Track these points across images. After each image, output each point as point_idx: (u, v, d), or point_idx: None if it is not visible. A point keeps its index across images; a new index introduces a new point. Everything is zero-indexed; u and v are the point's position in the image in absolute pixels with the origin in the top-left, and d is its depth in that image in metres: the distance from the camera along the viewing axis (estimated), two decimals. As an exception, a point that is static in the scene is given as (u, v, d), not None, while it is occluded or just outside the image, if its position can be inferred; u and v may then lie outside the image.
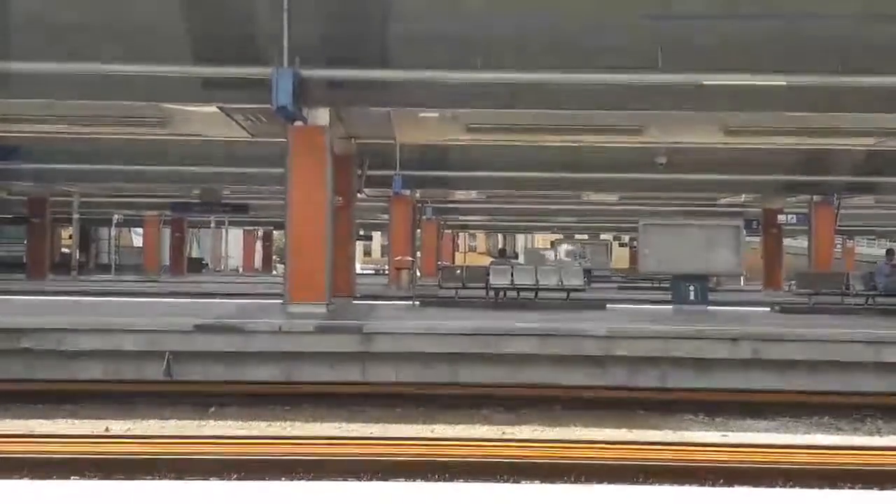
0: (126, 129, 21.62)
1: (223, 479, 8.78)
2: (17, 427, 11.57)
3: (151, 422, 12.09)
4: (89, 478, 8.78)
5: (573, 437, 11.50)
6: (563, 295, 20.93)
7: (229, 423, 12.14)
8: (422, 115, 19.33)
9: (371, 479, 8.89)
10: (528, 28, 15.50)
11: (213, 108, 18.09)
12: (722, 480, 9.02)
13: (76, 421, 12.05)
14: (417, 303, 20.02)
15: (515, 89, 16.91)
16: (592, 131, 21.72)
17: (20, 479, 8.65)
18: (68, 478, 8.72)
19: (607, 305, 19.93)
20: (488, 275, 20.90)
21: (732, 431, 12.19)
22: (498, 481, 8.94)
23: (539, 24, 15.45)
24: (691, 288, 19.89)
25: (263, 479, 8.75)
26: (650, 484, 8.91)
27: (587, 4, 15.12)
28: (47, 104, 18.12)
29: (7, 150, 20.29)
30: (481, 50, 15.59)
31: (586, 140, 23.51)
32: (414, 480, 8.90)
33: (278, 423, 12.14)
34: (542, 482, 8.90)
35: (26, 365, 14.60)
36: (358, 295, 21.24)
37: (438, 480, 8.94)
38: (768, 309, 21.02)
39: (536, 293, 20.88)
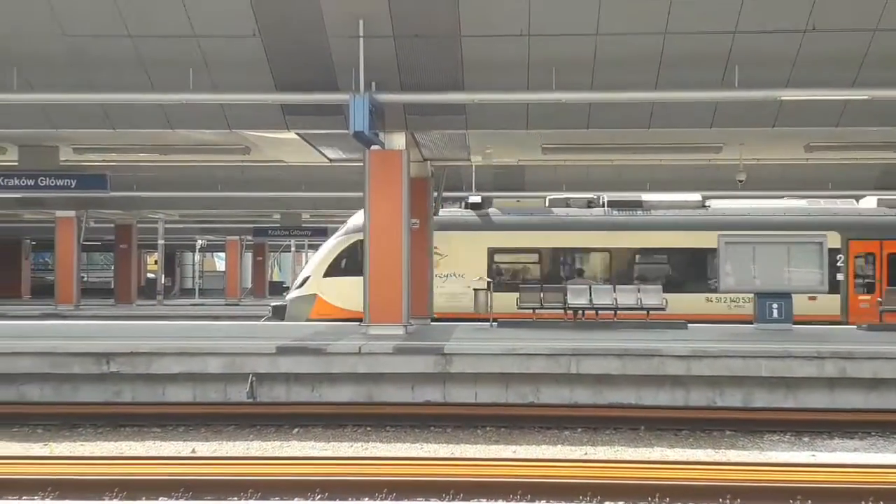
0: (210, 157, 22.10)
1: (307, 499, 8.89)
2: (107, 449, 11.86)
3: (236, 443, 12.29)
4: (177, 498, 8.96)
5: (656, 458, 11.40)
6: (643, 314, 20.76)
7: (312, 443, 12.28)
8: (497, 136, 19.41)
9: (454, 500, 8.93)
10: (603, 47, 15.50)
11: (292, 135, 18.40)
12: (810, 502, 8.87)
13: (163, 443, 12.30)
14: (495, 323, 20.02)
15: (591, 109, 16.90)
16: (671, 149, 21.55)
17: (111, 499, 8.87)
18: (157, 498, 8.91)
19: (688, 325, 19.70)
20: (566, 294, 20.80)
21: (820, 451, 11.96)
22: (581, 501, 8.91)
23: (614, 43, 15.44)
24: (774, 306, 19.55)
25: (347, 499, 8.84)
26: (736, 505, 8.80)
27: (661, 21, 15.07)
28: (135, 133, 18.63)
29: (96, 178, 20.88)
30: (556, 70, 15.62)
31: (665, 158, 23.32)
32: (496, 500, 8.92)
33: (360, 444, 12.25)
34: (625, 502, 8.85)
35: (115, 388, 14.97)
36: (434, 316, 21.32)
37: (521, 500, 8.93)
38: (854, 326, 20.51)
39: (615, 312, 20.73)
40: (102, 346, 15.14)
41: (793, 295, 19.85)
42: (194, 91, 15.72)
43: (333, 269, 24.87)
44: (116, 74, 16.00)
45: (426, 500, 8.89)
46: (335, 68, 15.92)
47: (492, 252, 25.48)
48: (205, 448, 11.93)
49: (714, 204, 26.44)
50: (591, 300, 20.60)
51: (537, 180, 27.20)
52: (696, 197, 26.44)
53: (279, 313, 24.92)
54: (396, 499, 8.93)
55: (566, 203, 26.31)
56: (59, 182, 20.71)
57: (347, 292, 24.40)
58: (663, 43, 15.32)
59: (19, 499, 8.74)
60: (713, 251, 22.27)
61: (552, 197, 26.51)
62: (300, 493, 8.99)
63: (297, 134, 18.28)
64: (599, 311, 20.67)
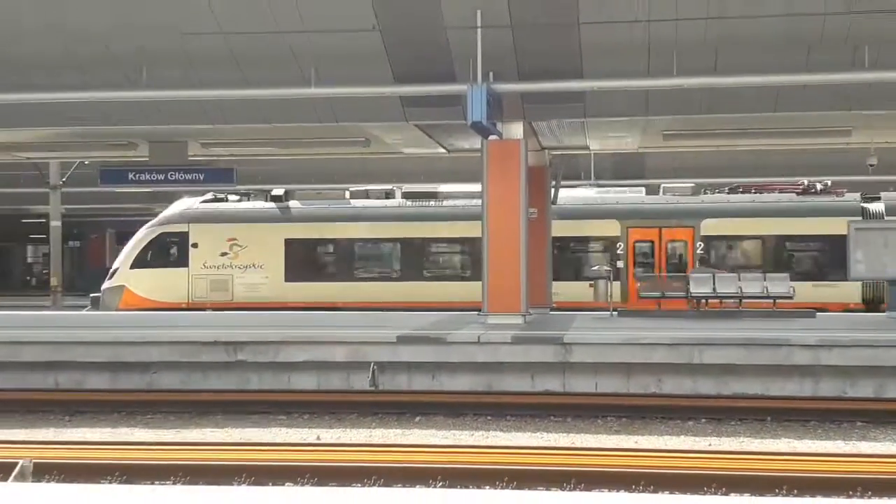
0: (331, 150, 22.43)
1: (429, 487, 8.98)
2: (236, 436, 12.21)
3: (359, 431, 12.49)
4: (303, 484, 9.16)
5: (783, 450, 11.14)
6: (770, 303, 20.27)
7: (433, 432, 12.39)
8: (616, 123, 19.18)
9: (574, 489, 8.89)
10: (721, 31, 15.16)
11: (411, 127, 18.55)
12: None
13: (289, 430, 12.58)
14: (615, 312, 19.83)
15: (713, 94, 16.55)
16: (798, 134, 20.90)
17: (239, 484, 9.13)
18: (283, 484, 9.13)
19: (816, 313, 19.16)
20: (689, 283, 20.46)
21: (957, 444, 11.50)
22: (705, 493, 8.76)
23: (736, 26, 15.08)
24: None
25: (468, 487, 8.90)
26: (869, 497, 8.53)
27: (778, 5, 14.66)
28: (259, 127, 19.07)
29: (224, 172, 21.44)
30: (676, 56, 15.35)
31: (790, 143, 22.64)
32: (618, 490, 8.85)
33: (480, 433, 12.31)
34: (751, 494, 8.67)
35: (243, 376, 15.39)
36: (553, 305, 21.23)
37: (644, 491, 8.84)
38: None
39: (740, 301, 20.30)
40: (231, 335, 15.57)
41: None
42: (315, 85, 16.00)
43: (140, 261, 25.53)
44: (241, 71, 16.41)
45: (547, 489, 8.88)
46: (453, 59, 15.98)
47: (289, 243, 25.95)
48: (329, 435, 12.17)
49: None
50: (714, 289, 20.21)
51: (658, 167, 26.78)
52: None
53: (96, 304, 25.76)
54: (517, 488, 8.94)
55: (365, 194, 26.53)
56: (189, 176, 21.33)
57: (154, 283, 25.55)
58: (787, 25, 14.89)
59: (152, 483, 9.06)
60: None
61: (353, 189, 26.69)
62: (422, 481, 9.08)
63: (416, 125, 18.42)
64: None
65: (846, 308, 23.56)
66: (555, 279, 22.68)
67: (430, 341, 15.12)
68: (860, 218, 24.49)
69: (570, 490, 8.89)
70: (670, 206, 25.56)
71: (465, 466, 9.37)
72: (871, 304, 24.14)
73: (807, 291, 22.97)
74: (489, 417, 13.15)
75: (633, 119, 17.84)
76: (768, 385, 14.38)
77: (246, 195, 27.18)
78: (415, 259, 25.81)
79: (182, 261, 25.91)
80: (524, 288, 17.29)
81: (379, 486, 9.09)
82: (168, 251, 26.18)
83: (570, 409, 13.33)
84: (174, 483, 9.26)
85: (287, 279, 25.79)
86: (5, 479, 7.70)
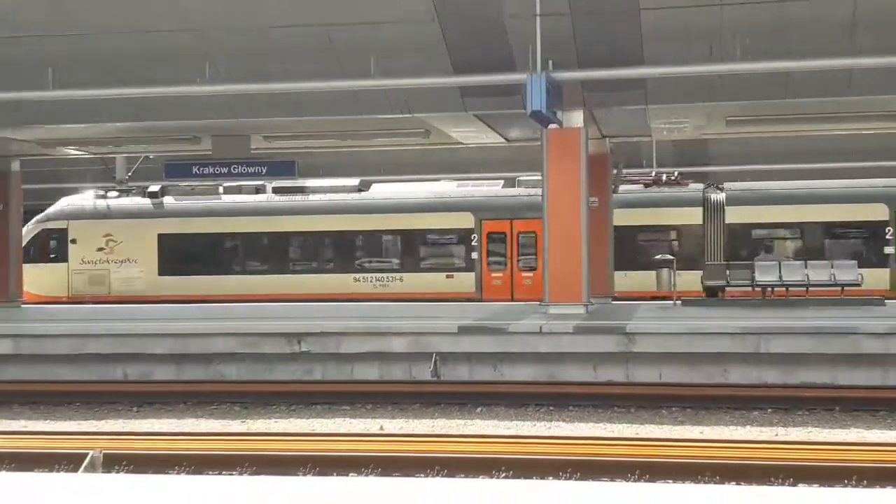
0: (391, 141, 22.49)
1: (492, 478, 8.97)
2: (300, 426, 12.32)
3: (422, 421, 12.52)
4: (367, 475, 9.20)
5: (853, 440, 10.93)
6: (837, 290, 19.92)
7: (495, 422, 12.38)
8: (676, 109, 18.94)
9: (639, 480, 8.81)
10: (787, 14, 14.88)
11: (470, 117, 18.52)
12: None
13: (353, 420, 12.66)
14: (679, 301, 19.62)
15: (778, 79, 16.26)
16: (871, 118, 20.42)
17: (304, 475, 9.20)
18: (347, 474, 9.18)
19: (886, 301, 18.77)
20: (754, 271, 20.17)
21: None
22: (772, 483, 8.64)
23: (803, 9, 14.80)
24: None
25: (531, 478, 8.87)
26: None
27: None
28: (315, 121, 19.19)
29: (285, 165, 21.63)
30: (739, 40, 15.11)
31: (864, 127, 22.14)
32: (683, 481, 8.75)
33: (543, 423, 12.27)
34: (820, 485, 8.52)
35: (306, 367, 15.52)
36: (615, 294, 21.08)
37: (709, 482, 8.74)
38: None
39: (807, 289, 19.97)
40: (294, 326, 15.71)
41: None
42: (375, 77, 16.05)
43: (24, 257, 25.57)
44: (302, 63, 16.51)
45: (611, 480, 8.81)
46: (512, 48, 15.91)
47: (161, 238, 26.80)
48: (392, 425, 12.22)
49: (375, 188, 27.35)
50: (780, 277, 19.91)
51: (723, 153, 26.40)
52: (353, 182, 27.18)
53: None
54: (581, 479, 8.88)
55: (238, 190, 27.09)
56: (251, 169, 21.54)
57: (36, 278, 26.40)
58: (855, 6, 14.56)
59: (219, 474, 9.17)
60: (366, 233, 25.81)
61: (228, 184, 27.11)
62: (485, 471, 9.07)
63: (475, 115, 18.38)
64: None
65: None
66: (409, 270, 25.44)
67: (492, 331, 15.10)
68: (701, 208, 25.23)
69: (634, 481, 8.81)
70: (522, 199, 26.18)
71: (528, 457, 9.35)
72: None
73: (652, 280, 23.69)
74: (551, 408, 13.10)
75: (695, 105, 17.61)
76: (836, 374, 14.13)
77: (126, 192, 28.15)
78: (282, 252, 26.76)
79: (62, 256, 27.03)
80: (585, 277, 17.19)
81: (442, 476, 9.10)
82: (49, 247, 27.33)
83: (634, 400, 13.23)
84: (240, 474, 9.36)
85: (161, 273, 26.92)
86: (75, 470, 7.84)
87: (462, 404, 13.37)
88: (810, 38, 15.11)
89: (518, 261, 25.94)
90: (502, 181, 27.14)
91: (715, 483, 8.72)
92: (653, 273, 22.85)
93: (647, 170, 25.22)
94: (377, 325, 15.61)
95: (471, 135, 21.52)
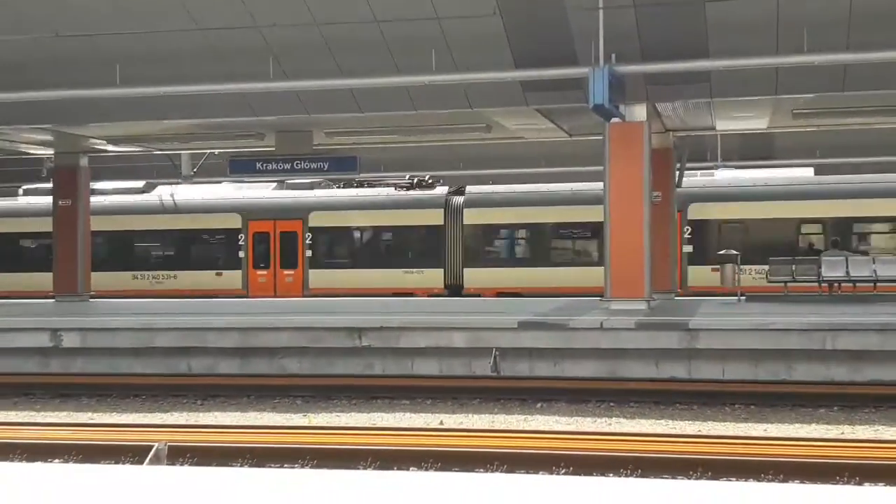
0: (452, 136, 22.51)
1: (552, 473, 8.94)
2: (361, 420, 12.40)
3: (482, 416, 12.52)
4: (427, 469, 9.23)
5: (922, 440, 10.69)
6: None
7: (555, 418, 12.34)
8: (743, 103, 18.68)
9: (701, 477, 8.72)
10: (854, 5, 14.58)
11: (532, 111, 18.46)
12: None
13: (413, 415, 12.70)
14: (743, 297, 19.37)
15: (846, 71, 15.94)
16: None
17: (365, 468, 9.26)
18: (407, 468, 9.21)
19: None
20: (820, 267, 19.83)
21: None
22: (837, 482, 8.49)
23: (867, 1, 14.49)
24: None
25: (591, 473, 8.82)
26: None
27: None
28: (381, 116, 19.28)
29: (347, 160, 21.78)
30: (808, 31, 14.84)
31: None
32: (746, 479, 8.64)
33: (603, 420, 12.19)
34: (886, 484, 8.35)
35: (367, 361, 15.60)
36: (679, 290, 20.88)
37: (773, 480, 8.62)
38: None
39: (875, 285, 19.58)
40: (355, 320, 15.80)
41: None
42: (437, 72, 16.06)
43: None
44: (364, 59, 16.59)
45: (673, 477, 8.73)
46: (574, 41, 15.81)
47: None
48: (452, 420, 12.23)
49: (160, 189, 28.95)
50: (847, 273, 19.55)
51: (788, 147, 25.96)
52: (139, 184, 28.71)
53: None
54: (642, 475, 8.82)
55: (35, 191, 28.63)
56: (313, 165, 21.73)
57: None
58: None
59: (280, 467, 9.27)
60: (145, 233, 27.77)
61: (26, 187, 29.03)
62: (545, 467, 9.05)
63: (537, 110, 18.31)
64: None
65: (430, 294, 26.08)
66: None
67: (552, 327, 15.04)
68: (442, 210, 26.61)
69: (696, 478, 8.72)
70: (284, 201, 27.67)
71: (589, 453, 9.30)
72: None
73: (398, 277, 26.28)
74: (612, 404, 13.02)
75: (761, 98, 17.34)
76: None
77: None
78: (127, 252, 28.53)
79: None
80: (648, 273, 17.04)
81: (502, 471, 9.09)
82: None
83: (697, 397, 13.08)
84: (302, 467, 9.44)
85: None
86: (141, 462, 7.97)
87: (522, 400, 13.34)
88: (877, 30, 14.79)
89: (280, 260, 27.46)
90: (274, 184, 28.51)
91: (778, 481, 8.60)
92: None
93: (402, 174, 26.82)
94: (437, 320, 15.63)
95: (532, 129, 21.44)
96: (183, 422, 12.32)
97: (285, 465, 9.37)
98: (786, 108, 19.13)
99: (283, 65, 16.75)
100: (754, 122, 21.01)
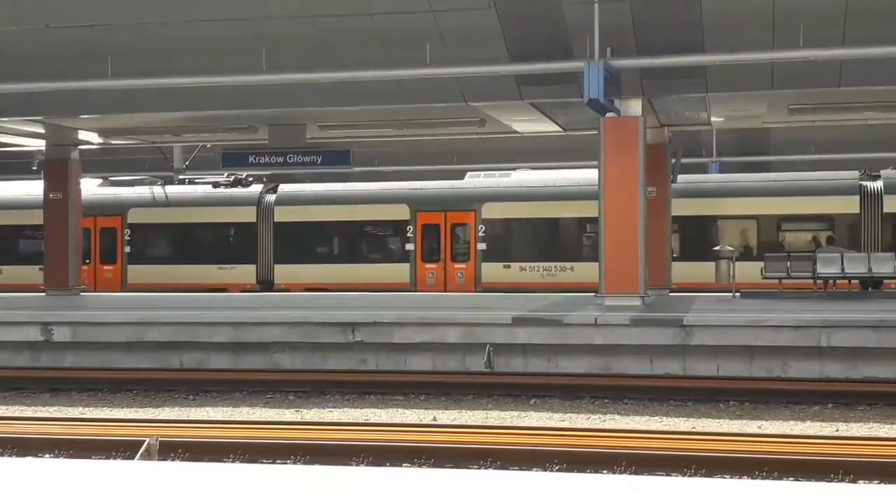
0: (446, 130, 22.46)
1: (546, 470, 8.88)
2: (354, 416, 12.33)
3: (475, 412, 12.46)
4: (420, 465, 9.17)
5: (917, 437, 10.65)
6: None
7: (549, 414, 12.28)
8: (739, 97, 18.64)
9: (695, 474, 8.68)
10: (850, 0, 14.53)
11: (526, 105, 18.40)
12: None
13: (406, 410, 12.63)
14: (738, 294, 19.34)
15: (843, 66, 15.90)
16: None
17: (358, 464, 9.19)
18: (400, 464, 9.15)
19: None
20: (815, 263, 19.80)
21: None
22: (832, 479, 8.44)
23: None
24: None
25: (585, 470, 8.77)
26: None
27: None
28: (369, 110, 19.21)
29: (340, 154, 21.70)
30: (802, 27, 14.79)
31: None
32: (740, 476, 8.60)
33: (597, 416, 12.14)
34: (881, 482, 8.31)
35: (360, 357, 15.54)
36: (673, 286, 20.84)
37: (767, 477, 8.57)
38: None
39: (870, 282, 19.56)
40: (348, 316, 15.73)
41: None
42: (431, 66, 15.98)
43: None
44: (357, 52, 16.51)
45: (666, 474, 8.68)
46: (569, 36, 15.74)
47: None
48: (445, 416, 12.17)
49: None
50: (842, 269, 19.54)
51: (784, 142, 25.96)
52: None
53: None
54: (636, 472, 8.77)
55: None
56: (306, 158, 21.65)
57: None
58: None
59: (272, 462, 9.20)
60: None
61: None
62: (538, 464, 8.99)
63: (531, 104, 18.25)
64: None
65: (243, 289, 26.51)
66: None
67: (547, 323, 14.99)
68: (255, 207, 27.28)
69: (690, 475, 8.68)
70: (105, 198, 28.14)
71: (582, 450, 9.24)
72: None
73: (212, 273, 26.74)
74: (606, 401, 12.96)
75: (757, 93, 17.30)
76: (900, 369, 13.81)
77: None
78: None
79: None
80: (643, 269, 16.99)
81: (495, 468, 9.03)
82: None
83: (691, 393, 13.03)
84: (294, 463, 9.38)
85: None
86: (132, 457, 7.90)
87: (516, 396, 13.28)
88: (873, 25, 14.76)
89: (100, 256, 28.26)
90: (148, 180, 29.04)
91: (773, 478, 8.55)
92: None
93: (219, 172, 26.68)
94: (431, 316, 15.57)
95: (526, 123, 21.40)
96: (174, 417, 12.23)
97: (277, 461, 9.30)
98: (782, 104, 19.10)
99: (276, 57, 16.65)
100: (750, 117, 21.01)
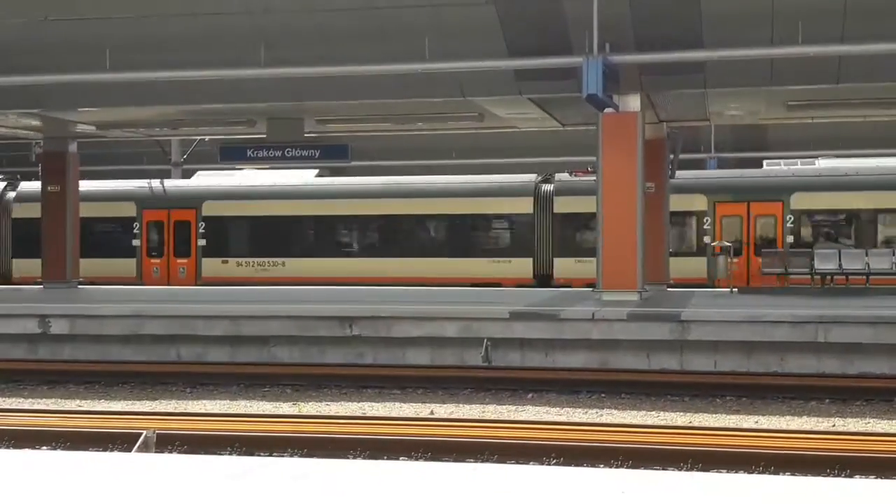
0: (444, 125, 22.43)
1: (543, 464, 8.90)
2: (351, 409, 12.34)
3: (472, 406, 12.47)
4: (417, 459, 9.18)
5: (913, 433, 10.68)
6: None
7: (546, 409, 12.29)
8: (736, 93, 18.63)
9: (692, 469, 8.69)
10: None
11: (525, 100, 18.38)
12: None
13: (403, 404, 12.65)
14: (735, 289, 19.35)
15: (841, 62, 15.90)
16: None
17: (355, 458, 9.20)
18: (397, 458, 9.16)
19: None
20: (813, 259, 19.83)
21: None
22: (828, 474, 8.46)
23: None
24: None
25: (582, 464, 8.78)
26: None
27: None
28: (368, 104, 19.17)
29: (338, 149, 21.69)
30: (801, 23, 14.79)
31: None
32: (737, 471, 8.61)
33: (594, 411, 12.15)
34: (877, 477, 8.34)
35: (358, 351, 15.54)
36: (671, 281, 20.86)
37: (764, 472, 8.59)
38: None
39: (868, 278, 19.59)
40: (346, 310, 15.73)
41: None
42: (430, 60, 15.96)
43: None
44: (356, 46, 16.49)
45: (663, 468, 8.69)
46: (568, 31, 15.73)
47: None
48: (442, 410, 12.18)
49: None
50: (840, 265, 19.55)
51: (782, 139, 25.97)
52: None
53: None
54: (632, 466, 8.78)
55: None
56: (305, 153, 21.63)
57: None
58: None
59: (269, 455, 9.21)
60: None
61: None
62: (536, 458, 9.01)
63: (530, 99, 18.23)
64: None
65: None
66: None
67: (544, 317, 14.99)
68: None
69: (687, 469, 8.69)
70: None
71: (580, 444, 9.26)
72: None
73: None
74: (603, 395, 12.98)
75: (755, 89, 17.29)
76: (895, 364, 13.84)
77: None
78: None
79: None
80: (640, 264, 17.00)
81: (492, 462, 9.04)
82: None
83: (688, 388, 13.05)
84: (291, 456, 9.39)
85: None
86: (129, 449, 7.91)
87: (513, 390, 13.30)
88: (872, 22, 14.75)
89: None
90: None
91: (769, 473, 8.57)
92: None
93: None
94: (429, 310, 15.57)
95: (525, 118, 21.37)
96: (172, 410, 12.24)
97: (274, 454, 9.31)
98: (780, 100, 19.09)
99: (275, 51, 16.63)
100: (748, 113, 20.99)
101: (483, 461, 9.06)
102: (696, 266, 24.15)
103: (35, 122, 22.03)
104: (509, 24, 15.89)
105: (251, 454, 9.23)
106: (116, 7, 16.43)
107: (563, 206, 25.13)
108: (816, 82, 16.55)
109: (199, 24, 16.54)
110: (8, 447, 9.44)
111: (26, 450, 9.00)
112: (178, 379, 14.27)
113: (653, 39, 15.62)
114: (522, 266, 25.43)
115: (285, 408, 12.48)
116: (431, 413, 11.98)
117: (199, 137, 27.66)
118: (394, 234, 26.16)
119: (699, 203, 24.56)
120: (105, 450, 9.19)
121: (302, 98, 18.31)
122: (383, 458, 9.03)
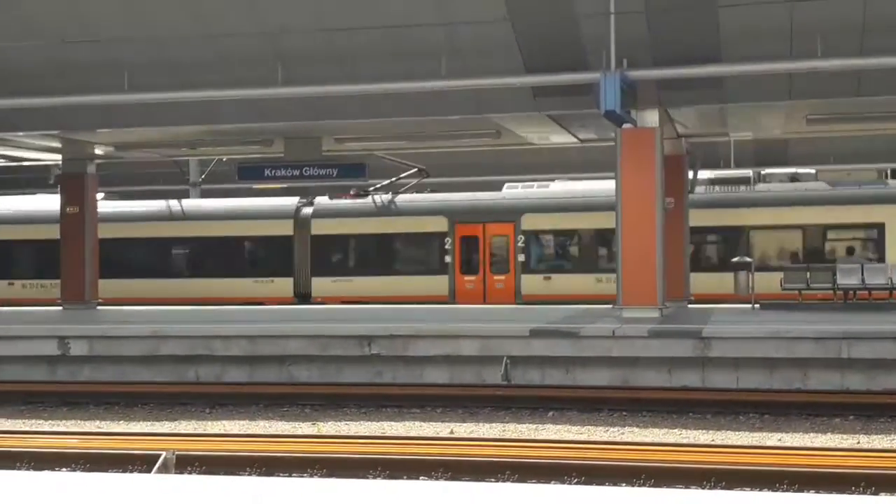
0: (461, 142, 22.42)
1: (564, 483, 8.81)
2: (370, 429, 12.28)
3: (492, 425, 12.39)
4: (437, 478, 9.10)
5: (940, 450, 10.52)
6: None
7: (567, 427, 12.19)
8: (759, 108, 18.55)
9: (714, 488, 8.58)
10: (869, 11, 14.45)
11: (542, 117, 18.36)
12: None
13: (422, 423, 12.57)
14: (757, 305, 19.21)
15: (861, 76, 15.80)
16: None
17: (375, 478, 9.14)
18: (417, 478, 9.09)
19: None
20: (835, 274, 19.66)
21: None
22: (853, 491, 8.34)
23: (885, 4, 14.36)
24: None
25: (603, 483, 8.69)
26: None
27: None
28: (384, 123, 19.19)
29: (355, 167, 21.73)
30: (820, 37, 14.71)
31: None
32: (761, 489, 8.50)
33: (616, 429, 12.05)
34: (905, 497, 8.21)
35: (376, 370, 15.49)
36: (692, 297, 20.74)
37: (788, 490, 8.47)
38: None
39: (892, 293, 19.40)
40: (364, 329, 15.69)
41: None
42: (447, 78, 15.96)
43: None
44: (372, 64, 16.52)
45: (685, 487, 8.59)
46: (585, 47, 15.71)
47: None
48: (462, 429, 12.10)
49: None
50: (863, 280, 19.40)
51: (803, 153, 25.81)
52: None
53: None
54: (655, 485, 8.68)
55: None
56: (322, 171, 21.66)
57: None
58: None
59: (289, 475, 9.15)
60: None
61: None
62: (556, 477, 8.92)
63: (547, 115, 18.21)
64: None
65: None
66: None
67: (564, 335, 14.91)
68: None
69: (710, 488, 8.58)
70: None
71: (601, 463, 9.16)
72: None
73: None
74: (625, 413, 12.87)
75: (775, 104, 17.21)
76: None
77: None
78: None
79: None
80: (661, 281, 16.90)
81: (512, 481, 8.96)
82: None
83: (710, 406, 12.92)
84: (311, 476, 9.33)
85: None
86: (148, 471, 7.87)
87: (533, 409, 13.20)
88: (892, 36, 14.67)
89: None
90: None
91: (793, 491, 8.46)
92: None
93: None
94: (447, 328, 15.52)
95: (542, 135, 21.34)
96: (191, 430, 12.21)
97: (294, 474, 9.25)
98: (800, 114, 19.00)
99: (292, 71, 16.68)
100: (768, 128, 20.87)
101: (503, 481, 8.97)
102: (437, 284, 25.36)
103: (54, 144, 22.14)
104: (526, 41, 15.89)
105: (271, 475, 9.17)
106: (135, 29, 16.52)
107: (319, 227, 26.11)
108: (835, 96, 16.45)
109: (216, 45, 16.61)
110: (28, 469, 9.43)
111: (46, 472, 8.98)
112: (196, 399, 14.23)
113: (671, 55, 15.58)
114: (284, 285, 26.37)
115: (304, 427, 12.43)
116: (451, 432, 11.90)
117: (217, 157, 27.73)
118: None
119: (440, 224, 25.56)
120: (124, 471, 9.15)
121: (318, 117, 18.36)
122: (403, 478, 8.97)
